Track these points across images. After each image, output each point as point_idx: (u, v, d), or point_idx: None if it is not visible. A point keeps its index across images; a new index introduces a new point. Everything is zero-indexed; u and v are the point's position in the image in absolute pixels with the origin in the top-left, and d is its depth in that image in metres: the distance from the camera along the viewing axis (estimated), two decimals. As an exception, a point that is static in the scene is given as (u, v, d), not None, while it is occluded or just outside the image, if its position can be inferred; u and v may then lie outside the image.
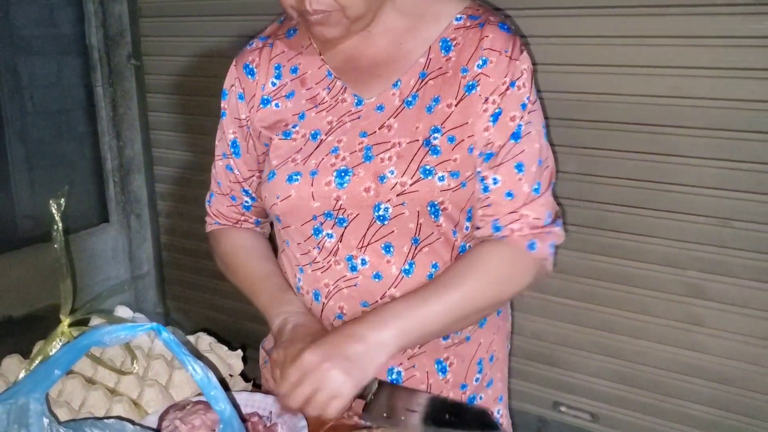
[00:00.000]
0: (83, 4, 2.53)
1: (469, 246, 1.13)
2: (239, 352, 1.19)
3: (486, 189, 1.09)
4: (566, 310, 1.94)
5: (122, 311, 1.27)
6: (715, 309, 1.74)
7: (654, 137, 1.73)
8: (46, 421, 0.70)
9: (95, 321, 1.22)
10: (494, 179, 1.08)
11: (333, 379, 0.93)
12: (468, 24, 1.08)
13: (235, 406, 0.85)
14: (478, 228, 1.11)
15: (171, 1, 2.48)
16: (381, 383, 1.01)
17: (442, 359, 1.15)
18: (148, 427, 0.82)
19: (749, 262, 1.67)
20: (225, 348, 1.19)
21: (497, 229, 1.09)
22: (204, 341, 1.21)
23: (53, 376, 0.73)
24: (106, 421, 0.74)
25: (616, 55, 1.73)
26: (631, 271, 1.82)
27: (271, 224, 1.28)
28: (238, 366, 1.18)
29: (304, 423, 1.00)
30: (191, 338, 1.21)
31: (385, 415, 0.99)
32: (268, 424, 1.03)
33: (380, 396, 0.99)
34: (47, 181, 2.66)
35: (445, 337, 1.14)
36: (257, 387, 1.21)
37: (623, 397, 1.90)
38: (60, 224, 1.06)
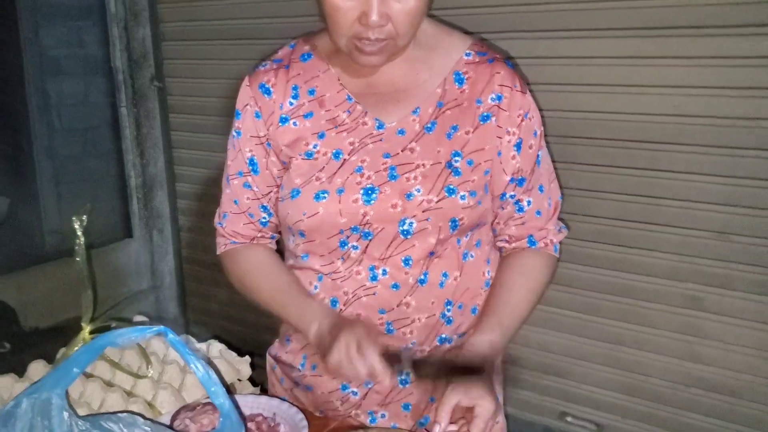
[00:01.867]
0: (108, 28, 2.63)
1: (473, 255, 1.25)
2: (247, 358, 1.26)
3: (521, 210, 1.26)
4: (571, 322, 1.97)
5: (139, 319, 1.35)
6: (715, 321, 1.77)
7: (654, 154, 1.77)
8: (66, 414, 0.78)
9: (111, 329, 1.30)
10: (528, 201, 1.26)
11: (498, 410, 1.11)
12: (477, 59, 1.21)
13: (237, 405, 0.92)
14: (509, 241, 1.30)
15: (192, 25, 2.57)
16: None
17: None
18: (158, 422, 0.89)
19: (747, 275, 1.71)
20: (234, 354, 1.27)
21: (533, 243, 1.29)
22: (215, 348, 1.28)
23: (72, 373, 0.81)
24: (119, 415, 0.81)
25: (618, 75, 1.78)
26: (634, 284, 1.86)
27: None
28: (246, 371, 1.25)
29: (305, 423, 1.07)
30: (203, 345, 1.29)
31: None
32: (272, 425, 1.10)
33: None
34: (73, 197, 2.76)
35: (449, 340, 1.23)
36: (264, 391, 1.29)
37: (627, 407, 1.94)
38: (82, 239, 1.14)
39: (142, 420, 0.82)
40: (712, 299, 1.77)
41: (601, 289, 1.91)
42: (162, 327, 0.80)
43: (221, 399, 0.81)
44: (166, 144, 2.74)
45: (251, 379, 1.26)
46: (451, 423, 1.08)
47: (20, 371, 1.23)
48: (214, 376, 0.81)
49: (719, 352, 1.78)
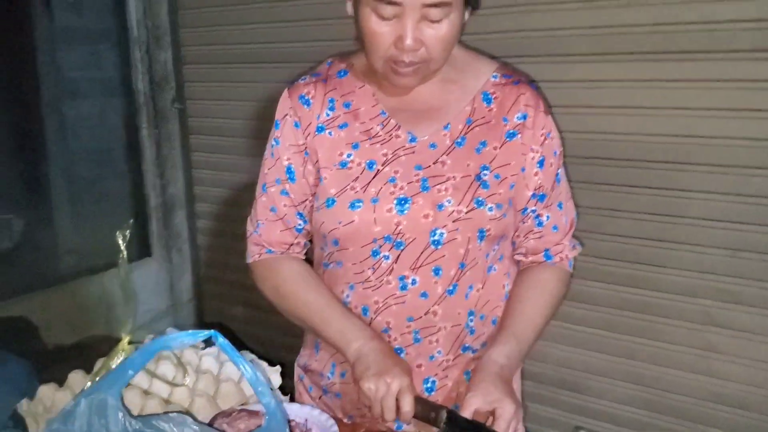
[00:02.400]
0: (131, 52, 2.70)
1: (495, 268, 1.31)
2: (278, 367, 1.30)
3: (540, 224, 1.33)
4: (589, 338, 2.01)
5: (171, 332, 1.39)
6: (728, 336, 1.80)
7: (668, 174, 1.81)
8: (120, 414, 0.82)
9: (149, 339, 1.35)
10: (547, 216, 1.33)
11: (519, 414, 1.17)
12: (504, 81, 1.28)
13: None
14: (527, 254, 1.37)
15: (213, 49, 2.63)
16: (449, 412, 1.14)
17: (469, 370, 1.27)
18: (203, 422, 0.93)
19: (758, 290, 1.74)
20: (265, 364, 1.30)
21: (549, 257, 1.35)
22: (248, 357, 1.33)
23: (127, 375, 0.86)
24: (170, 414, 0.85)
25: (631, 97, 1.83)
26: (649, 300, 1.89)
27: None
28: (277, 380, 1.29)
29: (336, 428, 1.11)
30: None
31: None
32: (304, 430, 1.14)
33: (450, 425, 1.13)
34: (93, 216, 2.81)
35: (474, 350, 1.28)
36: (292, 400, 1.33)
37: (645, 422, 1.97)
38: (125, 252, 1.19)
39: (191, 420, 0.86)
40: (725, 315, 1.80)
41: (619, 305, 1.94)
42: (212, 331, 0.85)
43: (267, 398, 0.85)
44: (186, 165, 2.80)
45: (281, 388, 1.30)
46: None
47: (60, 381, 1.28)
48: (261, 376, 0.85)
49: (733, 367, 1.81)
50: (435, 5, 1.13)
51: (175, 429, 0.83)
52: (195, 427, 0.85)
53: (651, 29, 1.78)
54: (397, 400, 1.15)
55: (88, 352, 1.80)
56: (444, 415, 1.13)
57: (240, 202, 2.69)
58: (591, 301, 1.97)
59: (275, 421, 0.87)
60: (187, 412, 1.17)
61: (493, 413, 1.14)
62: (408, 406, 1.14)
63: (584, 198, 1.90)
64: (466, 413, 1.13)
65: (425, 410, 1.16)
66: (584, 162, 1.89)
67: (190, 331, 0.86)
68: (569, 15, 1.86)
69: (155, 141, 2.77)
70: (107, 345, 2.06)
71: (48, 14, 2.75)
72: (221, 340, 0.85)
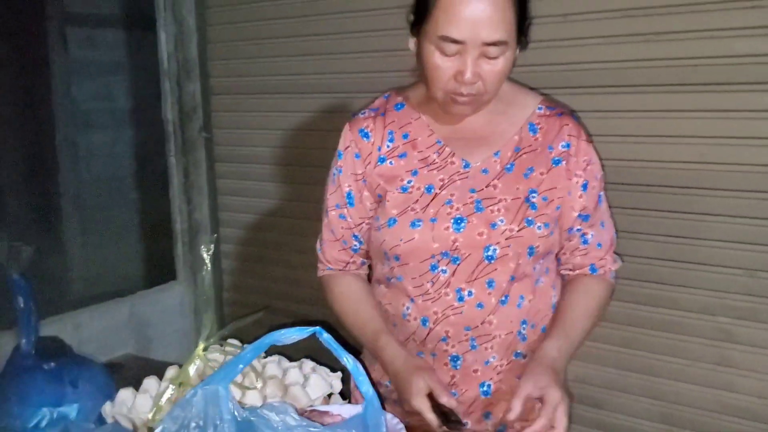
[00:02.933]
0: (161, 83, 2.81)
1: (543, 281, 1.43)
2: (339, 373, 1.39)
3: (586, 242, 1.45)
4: (610, 356, 2.08)
5: (233, 341, 1.48)
6: (746, 352, 1.88)
7: (686, 198, 1.91)
8: (231, 404, 0.91)
9: (214, 351, 1.43)
10: (591, 234, 1.45)
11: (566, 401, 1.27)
12: (548, 113, 1.40)
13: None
14: (572, 269, 1.49)
15: (240, 80, 2.74)
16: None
17: (520, 375, 1.37)
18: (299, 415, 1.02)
19: None
20: (327, 370, 1.40)
21: (594, 270, 1.48)
22: (307, 365, 1.41)
23: (238, 369, 0.95)
24: (273, 404, 0.94)
25: (650, 127, 1.93)
26: (670, 319, 1.98)
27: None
28: (338, 385, 1.38)
29: (401, 426, 1.21)
30: (296, 363, 1.42)
31: None
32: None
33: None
34: (122, 240, 2.90)
35: (525, 356, 1.38)
36: (349, 404, 1.42)
37: (663, 436, 2.05)
38: (209, 266, 1.28)
39: (291, 408, 0.95)
40: (742, 332, 1.89)
41: (639, 323, 2.03)
42: (317, 327, 0.94)
43: (366, 387, 0.95)
44: (212, 191, 2.89)
45: (341, 394, 1.38)
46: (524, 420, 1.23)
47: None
48: (360, 367, 0.94)
49: (751, 381, 1.89)
50: (493, 44, 1.25)
51: (278, 416, 0.92)
52: (295, 415, 0.94)
53: (668, 63, 1.88)
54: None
55: (119, 369, 1.88)
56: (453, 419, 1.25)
57: (263, 227, 2.79)
58: (612, 320, 2.05)
59: (372, 408, 0.96)
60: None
61: (541, 399, 1.24)
62: (431, 424, 1.26)
63: (607, 221, 2.00)
64: (518, 397, 1.24)
65: (441, 416, 1.27)
66: (609, 188, 1.94)
67: (297, 328, 0.95)
68: (591, 50, 1.97)
69: (183, 168, 2.86)
70: (136, 364, 2.15)
71: (88, 49, 2.87)
72: (325, 335, 0.94)
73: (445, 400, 1.27)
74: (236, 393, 1.30)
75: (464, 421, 1.30)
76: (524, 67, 2.02)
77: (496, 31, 1.24)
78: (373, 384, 1.02)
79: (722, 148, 1.86)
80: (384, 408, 1.49)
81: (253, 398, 1.28)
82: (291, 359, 1.45)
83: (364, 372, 0.96)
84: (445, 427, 1.27)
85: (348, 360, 0.94)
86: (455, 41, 1.25)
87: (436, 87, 1.32)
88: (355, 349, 1.29)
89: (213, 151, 2.86)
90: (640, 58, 1.92)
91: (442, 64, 1.29)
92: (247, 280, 2.89)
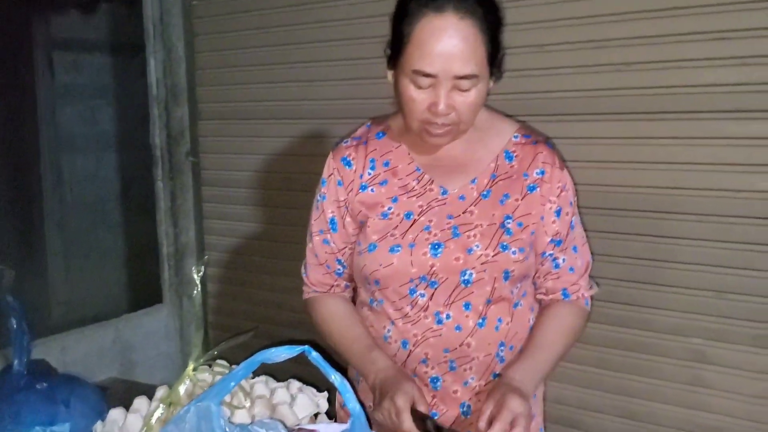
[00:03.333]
0: (150, 108, 2.86)
1: (521, 304, 1.47)
2: (325, 393, 1.43)
3: (557, 266, 1.49)
4: (586, 376, 2.13)
5: (221, 362, 1.52)
6: (717, 372, 1.94)
7: (658, 222, 1.97)
8: (222, 420, 0.96)
9: (203, 371, 1.47)
10: (563, 259, 1.49)
11: (527, 414, 1.28)
12: (523, 141, 1.46)
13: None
14: (547, 293, 1.52)
15: (227, 106, 2.80)
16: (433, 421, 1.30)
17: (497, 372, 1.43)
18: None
19: (743, 329, 1.89)
20: (314, 390, 1.44)
21: (566, 296, 1.51)
22: (294, 385, 1.46)
23: (230, 386, 0.99)
24: (264, 420, 0.99)
25: (623, 153, 2.00)
26: (643, 340, 2.03)
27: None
28: (324, 405, 1.42)
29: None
30: (284, 384, 1.47)
31: None
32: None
33: None
34: (109, 263, 2.93)
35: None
36: (335, 424, 1.46)
37: (638, 455, 2.10)
38: (199, 286, 1.32)
39: (281, 426, 1.00)
40: (714, 352, 1.94)
41: (613, 344, 2.08)
42: (306, 347, 0.99)
43: (353, 403, 0.99)
44: (198, 215, 2.94)
45: (327, 414, 1.43)
46: None
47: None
48: (348, 385, 0.99)
49: (724, 401, 1.94)
50: (465, 77, 1.32)
51: (267, 432, 0.97)
52: (285, 431, 0.99)
53: (639, 92, 1.96)
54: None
55: (105, 392, 1.91)
56: (430, 423, 1.28)
57: (248, 250, 2.83)
58: (587, 341, 2.09)
59: (359, 424, 1.01)
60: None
61: (500, 409, 1.28)
62: (405, 425, 1.28)
63: (582, 245, 2.06)
64: (482, 419, 1.28)
65: (420, 423, 1.30)
66: (582, 212, 2.01)
67: (286, 346, 1.00)
68: (567, 79, 2.05)
69: (170, 192, 2.91)
70: (121, 387, 2.18)
71: (76, 74, 2.92)
72: (314, 354, 0.99)
73: (424, 408, 1.32)
74: (225, 412, 1.35)
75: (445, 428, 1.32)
76: (503, 95, 2.10)
77: (467, 65, 1.31)
78: (329, 416, 1.07)
79: (692, 174, 1.93)
80: (371, 426, 1.55)
81: (241, 417, 1.32)
82: (277, 380, 1.50)
83: (351, 389, 1.01)
84: None
85: (336, 377, 0.99)
86: (428, 75, 1.31)
87: (412, 118, 1.39)
88: (342, 368, 1.34)
89: (200, 176, 2.91)
90: (613, 86, 2.00)
91: (416, 97, 1.35)
92: (232, 304, 2.93)
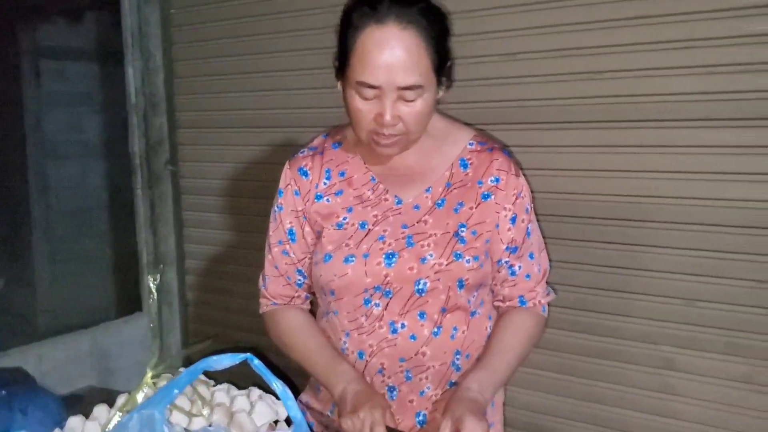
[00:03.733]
0: (128, 117, 2.86)
1: (478, 312, 1.44)
2: (284, 401, 1.43)
3: (513, 273, 1.49)
4: (554, 383, 2.13)
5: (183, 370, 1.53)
6: (687, 380, 1.94)
7: (626, 230, 1.97)
8: (166, 428, 0.96)
9: (164, 378, 1.47)
10: (519, 266, 1.49)
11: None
12: (479, 148, 1.46)
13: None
14: (504, 300, 1.52)
15: (205, 115, 2.81)
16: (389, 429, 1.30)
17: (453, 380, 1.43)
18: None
19: (713, 337, 1.89)
20: (273, 398, 1.44)
21: (523, 302, 1.51)
22: (255, 393, 1.46)
23: (173, 394, 0.99)
24: (208, 428, 0.99)
25: (592, 161, 2.00)
26: (613, 347, 2.03)
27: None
28: (283, 412, 1.42)
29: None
30: (245, 391, 1.47)
31: None
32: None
33: None
34: (89, 271, 2.93)
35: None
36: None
37: (610, 462, 2.10)
38: (155, 295, 1.33)
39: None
40: (683, 360, 1.94)
41: (584, 352, 2.08)
42: (248, 354, 0.99)
43: (294, 411, 1.00)
44: (177, 223, 2.94)
45: (286, 421, 1.43)
46: None
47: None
48: (290, 393, 1.00)
49: (692, 409, 1.94)
50: (408, 88, 1.32)
51: (211, 441, 0.97)
52: (228, 439, 0.99)
53: (609, 100, 1.96)
54: None
55: (80, 401, 1.91)
56: None
57: (228, 259, 2.83)
58: (557, 349, 2.10)
59: (301, 430, 1.01)
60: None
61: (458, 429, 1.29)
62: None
63: (551, 253, 2.02)
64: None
65: None
66: (552, 220, 2.06)
67: (229, 354, 1.00)
68: (538, 87, 2.05)
69: (149, 200, 2.91)
70: (98, 396, 2.18)
71: (56, 82, 2.93)
72: (256, 362, 0.99)
73: (392, 424, 1.33)
74: (183, 420, 1.35)
75: None
76: (473, 104, 2.12)
77: (410, 76, 1.31)
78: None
79: (661, 182, 1.93)
80: None
81: (199, 425, 1.33)
82: (240, 387, 1.50)
83: (292, 397, 1.01)
84: None
85: (277, 385, 1.00)
86: (372, 86, 1.32)
87: (360, 129, 1.40)
88: (285, 376, 1.34)
89: (179, 184, 2.92)
90: (583, 95, 2.00)
91: (362, 108, 1.36)
92: (212, 312, 2.93)
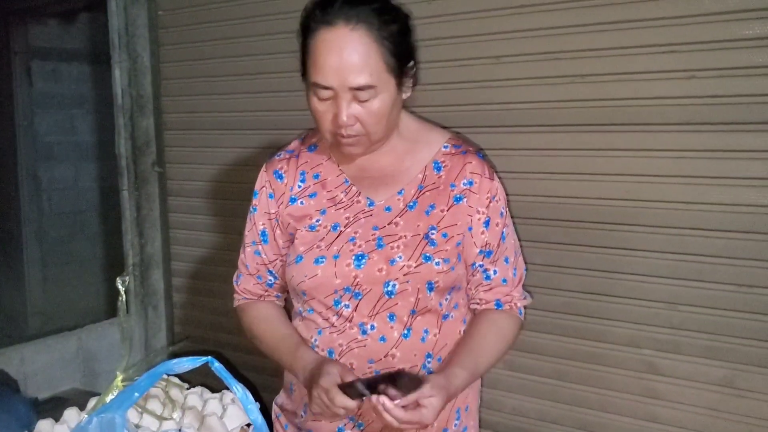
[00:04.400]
0: (115, 118, 2.86)
1: (452, 315, 1.43)
2: (257, 404, 1.43)
3: (488, 278, 1.49)
4: (541, 387, 2.13)
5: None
6: (669, 383, 1.93)
7: (611, 234, 1.97)
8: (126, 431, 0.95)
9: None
10: (494, 270, 1.48)
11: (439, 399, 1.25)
12: (453, 151, 1.46)
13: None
14: (479, 303, 1.51)
15: (192, 116, 2.80)
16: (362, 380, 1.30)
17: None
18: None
19: (695, 340, 1.89)
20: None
21: (499, 305, 1.51)
22: (228, 396, 1.46)
23: (133, 397, 0.99)
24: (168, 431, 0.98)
25: (576, 165, 2.00)
26: (596, 351, 2.03)
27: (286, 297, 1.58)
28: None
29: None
30: (218, 395, 1.46)
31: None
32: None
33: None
34: (75, 273, 2.92)
35: None
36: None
37: (594, 466, 2.09)
38: (124, 297, 1.32)
39: (189, 436, 0.99)
40: (665, 364, 1.94)
41: (568, 356, 2.07)
42: (210, 357, 0.99)
43: (255, 415, 0.99)
44: (164, 225, 2.93)
45: (260, 424, 1.42)
46: None
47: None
48: (250, 396, 0.99)
49: (675, 413, 1.94)
50: (360, 88, 1.32)
51: (172, 444, 0.96)
52: (190, 442, 0.98)
53: (593, 103, 1.96)
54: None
55: (63, 403, 1.91)
56: (360, 385, 1.27)
57: (214, 260, 2.83)
58: (542, 352, 2.10)
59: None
60: (175, 443, 1.30)
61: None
62: (336, 400, 1.26)
63: (536, 256, 2.06)
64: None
65: (352, 391, 1.28)
66: (537, 223, 2.06)
67: (190, 357, 0.99)
68: (523, 90, 2.05)
69: (135, 202, 2.90)
70: (82, 398, 2.17)
71: (43, 83, 2.93)
72: (217, 364, 0.99)
73: (350, 378, 1.30)
74: (153, 423, 1.34)
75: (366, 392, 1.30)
76: (458, 106, 2.12)
77: (359, 77, 1.31)
78: (286, 411, 1.06)
79: (645, 186, 1.93)
80: None
81: (169, 428, 1.32)
82: (213, 390, 1.50)
83: (253, 401, 1.01)
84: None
85: (237, 389, 0.99)
86: (325, 87, 1.33)
87: (322, 129, 1.40)
88: (246, 380, 1.33)
89: (165, 186, 2.91)
90: (567, 98, 2.00)
91: (320, 108, 1.37)
92: (198, 314, 2.92)
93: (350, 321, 1.42)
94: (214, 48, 2.71)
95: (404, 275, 1.40)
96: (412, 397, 1.24)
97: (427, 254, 1.42)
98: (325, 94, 1.34)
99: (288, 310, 1.63)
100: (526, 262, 1.63)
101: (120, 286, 1.34)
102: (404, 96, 1.42)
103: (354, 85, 1.32)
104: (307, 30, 1.37)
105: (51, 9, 3.60)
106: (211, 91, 2.74)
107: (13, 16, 3.69)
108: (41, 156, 3.20)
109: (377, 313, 1.41)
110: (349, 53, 1.31)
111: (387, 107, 1.37)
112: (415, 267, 1.41)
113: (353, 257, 1.42)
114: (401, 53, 1.38)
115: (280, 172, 1.53)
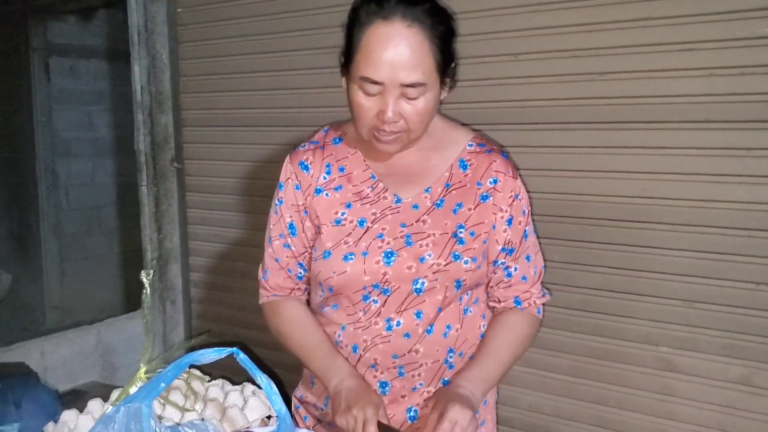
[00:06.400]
0: (134, 115, 2.88)
1: (471, 311, 1.44)
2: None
3: (509, 275, 1.49)
4: (559, 384, 2.14)
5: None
6: (686, 381, 1.94)
7: (629, 232, 1.98)
8: (153, 421, 0.97)
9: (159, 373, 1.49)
10: (515, 268, 1.50)
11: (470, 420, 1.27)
12: (478, 150, 1.47)
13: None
14: (499, 301, 1.52)
15: (210, 113, 2.82)
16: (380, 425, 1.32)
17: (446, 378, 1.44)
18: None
19: (711, 338, 1.89)
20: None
21: (518, 303, 1.51)
22: (248, 389, 1.47)
23: (160, 387, 1.00)
24: (194, 422, 1.00)
25: (597, 163, 2.00)
26: (615, 348, 2.03)
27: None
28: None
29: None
30: (239, 387, 1.48)
31: None
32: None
33: None
34: (95, 268, 2.95)
35: None
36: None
37: (611, 463, 2.10)
38: (148, 291, 1.34)
39: (213, 427, 1.01)
40: (683, 361, 1.94)
41: (586, 353, 2.08)
42: (235, 348, 1.00)
43: (279, 405, 1.00)
44: (182, 220, 2.96)
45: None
46: None
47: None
48: (274, 387, 1.00)
49: (692, 410, 1.94)
50: (411, 86, 1.33)
51: (197, 434, 0.98)
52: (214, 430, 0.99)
53: (611, 101, 1.96)
54: None
55: (82, 396, 1.93)
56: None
57: (232, 256, 2.85)
58: (560, 349, 2.11)
59: (285, 424, 1.01)
60: (197, 435, 1.32)
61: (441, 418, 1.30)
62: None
63: (555, 254, 2.06)
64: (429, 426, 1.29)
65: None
66: (556, 221, 2.06)
67: (215, 348, 1.01)
68: (541, 88, 2.05)
69: (154, 197, 2.92)
70: (101, 391, 2.20)
71: (64, 81, 2.96)
72: (242, 356, 1.00)
73: (385, 421, 1.33)
74: (176, 415, 1.36)
75: None
76: (476, 104, 2.12)
77: (413, 74, 1.32)
78: (306, 404, 1.07)
79: (663, 183, 1.93)
80: (301, 426, 1.55)
81: (191, 419, 1.33)
82: (235, 383, 1.51)
83: (277, 391, 1.02)
84: None
85: (262, 379, 1.00)
86: (375, 82, 1.33)
87: (361, 125, 1.40)
88: (271, 370, 1.35)
89: (184, 182, 2.94)
90: (586, 96, 2.00)
91: (365, 104, 1.36)
92: (216, 309, 2.94)
93: (377, 316, 1.43)
94: (233, 45, 2.72)
95: (433, 273, 1.41)
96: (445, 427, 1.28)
97: (456, 252, 1.42)
98: (374, 89, 1.34)
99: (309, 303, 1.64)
100: (544, 259, 1.64)
101: (144, 280, 1.36)
102: (442, 96, 1.43)
103: (406, 81, 1.32)
104: (358, 23, 1.36)
105: (70, 6, 3.64)
106: (229, 88, 2.76)
107: (32, 12, 3.74)
108: (59, 152, 3.23)
109: (405, 310, 1.43)
110: (405, 49, 1.31)
111: (432, 106, 1.39)
112: (444, 265, 1.42)
113: (382, 254, 1.42)
114: (448, 53, 1.39)
115: (305, 163, 1.53)
